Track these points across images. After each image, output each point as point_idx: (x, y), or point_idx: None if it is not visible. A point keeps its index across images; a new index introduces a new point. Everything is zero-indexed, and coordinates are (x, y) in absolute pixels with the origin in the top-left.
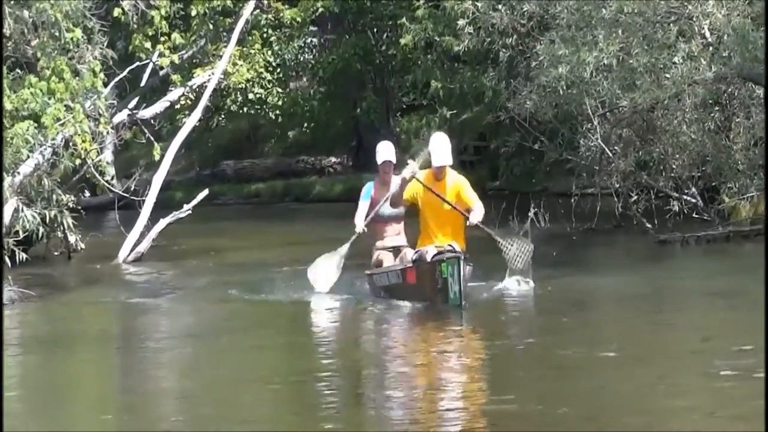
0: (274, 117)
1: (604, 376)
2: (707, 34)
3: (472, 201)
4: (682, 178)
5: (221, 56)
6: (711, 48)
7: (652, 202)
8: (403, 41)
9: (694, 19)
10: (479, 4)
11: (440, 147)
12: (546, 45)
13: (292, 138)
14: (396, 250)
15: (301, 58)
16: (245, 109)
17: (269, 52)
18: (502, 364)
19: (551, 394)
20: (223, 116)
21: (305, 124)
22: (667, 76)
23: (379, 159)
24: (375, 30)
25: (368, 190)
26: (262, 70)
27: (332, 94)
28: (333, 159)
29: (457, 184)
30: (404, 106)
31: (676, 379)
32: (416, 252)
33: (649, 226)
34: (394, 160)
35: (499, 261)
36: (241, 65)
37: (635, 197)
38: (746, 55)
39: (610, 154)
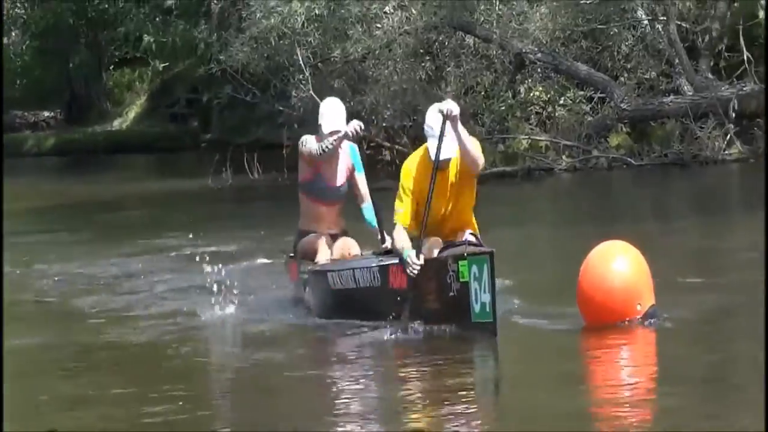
0: None
1: None
2: None
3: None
4: (394, 127)
5: None
6: None
7: (364, 152)
8: None
9: None
10: None
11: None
12: None
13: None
14: (333, 238)
15: (12, 13)
16: None
17: None
18: None
19: None
20: None
21: (17, 81)
22: (379, 25)
23: (327, 127)
24: None
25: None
26: None
27: (44, 49)
28: (46, 113)
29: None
30: (117, 60)
31: None
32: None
33: None
34: (343, 129)
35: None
36: None
37: None
38: (456, 4)
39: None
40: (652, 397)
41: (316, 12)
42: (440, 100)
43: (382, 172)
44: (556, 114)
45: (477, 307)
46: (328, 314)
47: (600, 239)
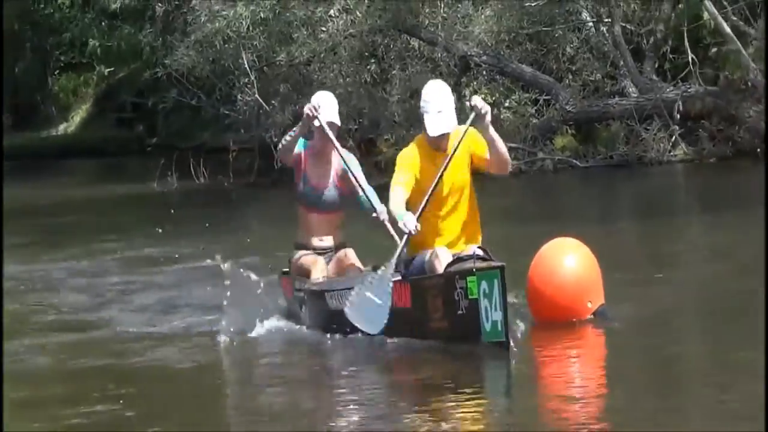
0: None
1: None
2: None
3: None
4: (339, 130)
5: None
6: (367, 0)
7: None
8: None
9: None
10: None
11: (438, 103)
12: (202, 0)
13: None
14: (328, 253)
15: None
16: None
17: None
18: None
19: None
20: None
21: None
22: (324, 29)
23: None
24: None
25: (299, 145)
26: None
27: None
28: None
29: (465, 145)
30: (62, 65)
31: None
32: (409, 260)
33: None
34: (338, 122)
35: None
36: None
37: None
38: (401, 7)
39: (268, 109)
40: (601, 394)
41: (261, 16)
42: (386, 102)
43: None
44: (502, 116)
45: (488, 326)
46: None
47: (548, 238)
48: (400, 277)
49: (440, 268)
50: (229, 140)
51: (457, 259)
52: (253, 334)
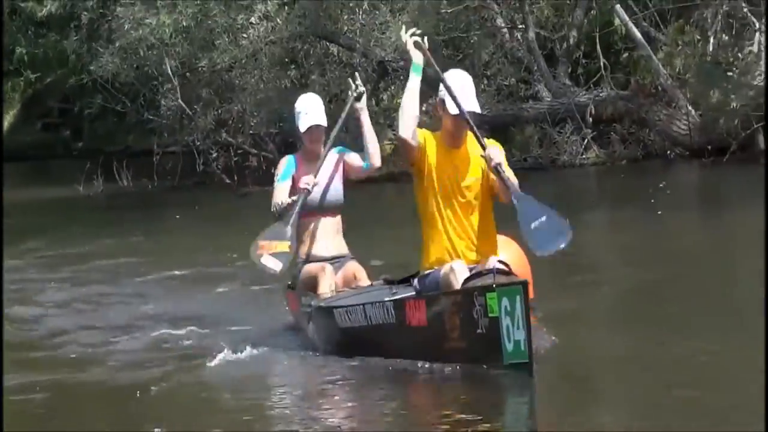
0: None
1: None
2: None
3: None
4: (260, 134)
5: None
6: (287, 8)
7: (232, 159)
8: None
9: None
10: None
11: (460, 84)
12: (126, 8)
13: None
14: (335, 263)
15: None
16: None
17: None
18: None
19: None
20: None
21: None
22: (245, 36)
23: (303, 124)
24: None
25: (288, 167)
26: None
27: None
28: None
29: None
30: None
31: None
32: (424, 275)
33: (228, 181)
34: (325, 123)
35: None
36: None
37: (215, 154)
38: (320, 14)
39: (190, 113)
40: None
41: (184, 23)
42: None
43: (249, 178)
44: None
45: (510, 347)
46: (336, 353)
47: None
48: (414, 294)
49: (457, 284)
50: (153, 144)
51: (476, 274)
52: (258, 348)
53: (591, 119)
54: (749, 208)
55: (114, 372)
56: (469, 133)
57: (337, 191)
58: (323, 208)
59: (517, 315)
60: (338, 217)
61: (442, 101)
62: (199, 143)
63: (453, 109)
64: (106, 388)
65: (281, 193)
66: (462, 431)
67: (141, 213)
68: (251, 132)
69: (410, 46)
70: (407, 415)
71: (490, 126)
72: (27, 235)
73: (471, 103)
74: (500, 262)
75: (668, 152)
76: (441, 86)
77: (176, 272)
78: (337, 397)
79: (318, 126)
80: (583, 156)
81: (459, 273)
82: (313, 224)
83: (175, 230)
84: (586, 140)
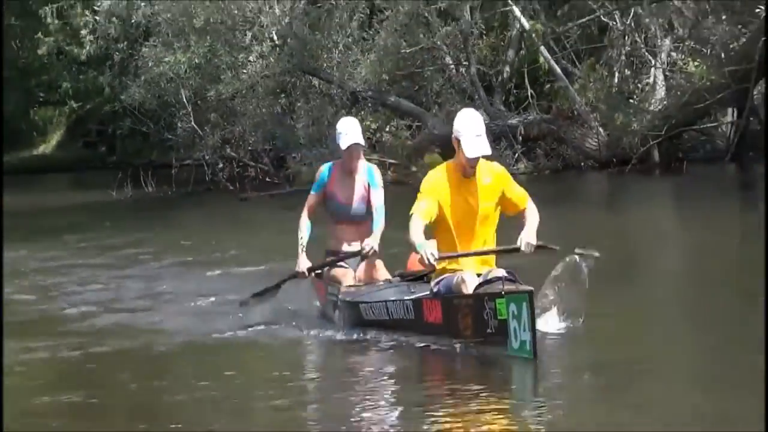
0: None
1: None
2: (275, 38)
3: (524, 201)
4: (257, 150)
5: None
6: (278, 49)
7: (234, 170)
8: (40, 51)
9: (265, 26)
10: (98, 18)
11: (475, 127)
12: (150, 48)
13: None
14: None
15: None
16: None
17: None
18: None
19: None
20: None
21: None
22: (245, 71)
23: (344, 142)
24: (17, 41)
25: (321, 178)
26: None
27: None
28: None
29: (498, 179)
30: (41, 100)
31: None
32: (438, 281)
33: (231, 188)
34: (363, 143)
35: None
36: None
37: (221, 166)
38: (305, 54)
39: (201, 133)
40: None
41: (196, 61)
42: (293, 129)
43: (248, 185)
44: (383, 138)
45: (516, 344)
46: (359, 339)
47: None
48: (430, 294)
49: (467, 292)
50: (172, 158)
51: (485, 282)
52: (286, 335)
53: (521, 137)
54: (645, 209)
55: (140, 339)
56: (481, 161)
57: (361, 208)
58: (352, 218)
59: (523, 319)
60: (365, 224)
61: (458, 140)
62: (208, 157)
63: (470, 153)
64: (136, 352)
65: (309, 207)
66: (470, 409)
67: (162, 213)
68: (250, 148)
69: (425, 262)
70: (417, 394)
71: (440, 143)
72: (69, 230)
73: (483, 148)
74: (507, 271)
75: (582, 164)
76: (456, 125)
77: (188, 258)
78: (351, 379)
79: (357, 144)
80: (515, 167)
81: (469, 283)
82: (343, 229)
83: (188, 226)
84: (516, 154)
